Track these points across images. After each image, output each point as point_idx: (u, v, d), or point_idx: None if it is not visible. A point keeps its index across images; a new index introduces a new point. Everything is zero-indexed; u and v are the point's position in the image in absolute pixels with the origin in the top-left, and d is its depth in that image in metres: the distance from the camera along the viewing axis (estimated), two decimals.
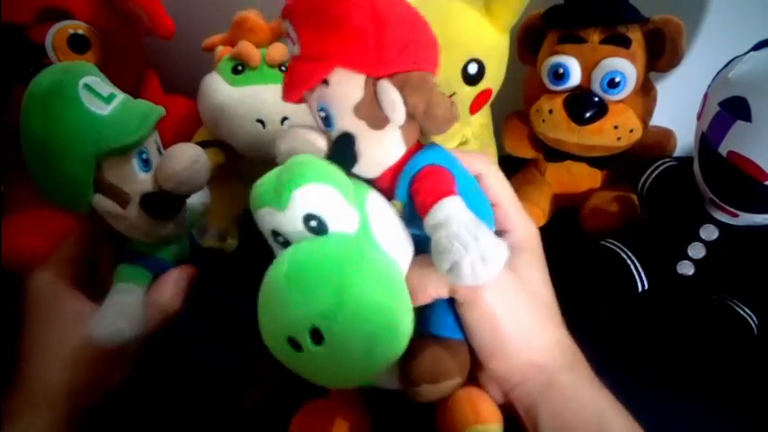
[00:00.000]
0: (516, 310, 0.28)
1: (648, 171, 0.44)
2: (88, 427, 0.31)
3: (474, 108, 0.47)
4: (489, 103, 0.50)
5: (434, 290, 0.27)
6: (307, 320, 0.23)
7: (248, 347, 0.35)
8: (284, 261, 0.24)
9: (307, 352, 0.23)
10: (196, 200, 0.39)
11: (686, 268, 0.40)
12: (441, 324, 0.28)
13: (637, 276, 0.42)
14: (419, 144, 0.28)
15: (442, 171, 0.27)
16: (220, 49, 0.47)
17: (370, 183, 0.28)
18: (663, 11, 0.43)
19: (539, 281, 0.30)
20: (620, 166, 0.50)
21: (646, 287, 0.42)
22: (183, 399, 0.35)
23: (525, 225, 0.31)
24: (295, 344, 0.24)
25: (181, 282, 0.33)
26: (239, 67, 0.45)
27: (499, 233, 0.30)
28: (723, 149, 0.35)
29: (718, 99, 0.35)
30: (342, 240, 0.25)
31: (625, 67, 0.43)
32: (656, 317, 0.42)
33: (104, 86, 0.30)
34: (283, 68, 0.46)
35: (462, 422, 0.27)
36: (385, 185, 0.28)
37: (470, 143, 0.51)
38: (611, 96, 0.45)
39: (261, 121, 0.44)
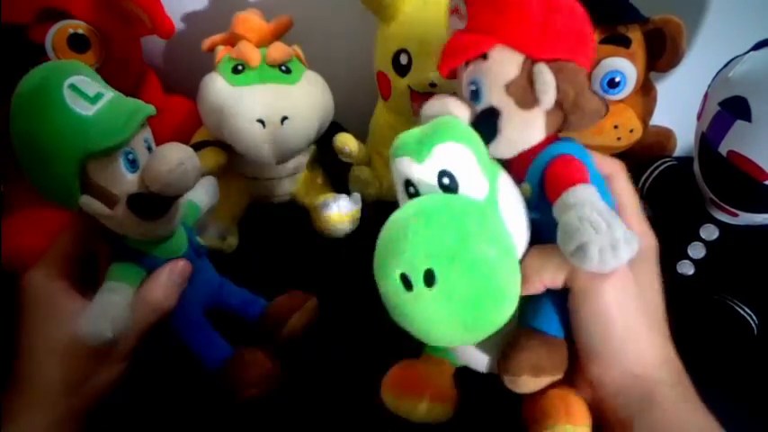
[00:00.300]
0: (631, 314, 0.27)
1: (648, 171, 0.44)
2: (89, 427, 0.31)
3: None
4: None
5: (550, 277, 0.27)
6: (425, 259, 0.24)
7: (244, 347, 0.36)
8: (413, 205, 0.26)
9: (417, 292, 0.24)
10: (205, 200, 0.40)
11: (686, 268, 0.40)
12: (547, 321, 0.29)
13: None
14: (555, 135, 0.29)
15: (577, 161, 0.27)
16: (220, 49, 0.47)
17: (502, 164, 0.29)
18: (663, 11, 0.43)
19: (654, 294, 0.29)
20: None
21: None
22: (180, 395, 0.35)
23: (646, 235, 0.30)
24: (407, 282, 0.24)
25: (174, 278, 0.33)
26: (239, 67, 0.45)
27: None
28: (723, 149, 0.35)
29: (719, 99, 0.35)
30: (470, 201, 0.26)
31: (625, 67, 0.43)
32: None
33: (92, 86, 0.29)
34: (284, 68, 0.46)
35: (553, 418, 0.28)
36: (516, 169, 0.29)
37: None
38: (612, 96, 0.45)
39: (261, 121, 0.44)
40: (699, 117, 0.39)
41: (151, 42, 0.50)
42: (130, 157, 0.29)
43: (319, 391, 0.39)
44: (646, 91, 0.46)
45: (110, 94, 0.30)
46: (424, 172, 0.26)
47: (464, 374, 0.34)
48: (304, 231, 0.50)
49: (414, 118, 0.48)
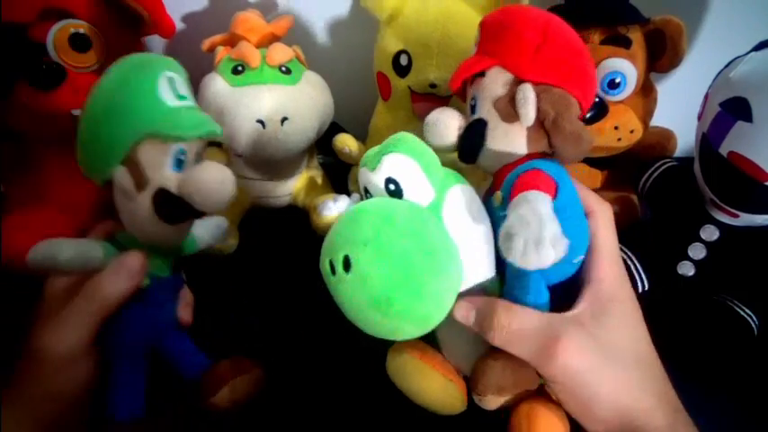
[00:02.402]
0: (600, 385, 0.27)
1: (649, 171, 0.44)
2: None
3: None
4: None
5: (517, 346, 0.28)
6: (344, 246, 0.27)
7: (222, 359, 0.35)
8: (360, 206, 0.29)
9: (338, 276, 0.27)
10: (206, 238, 0.39)
11: (687, 269, 0.40)
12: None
13: (637, 277, 0.42)
14: (538, 154, 0.31)
15: (544, 174, 0.29)
16: (220, 49, 0.47)
17: (490, 186, 0.32)
18: (663, 11, 0.43)
19: (631, 338, 0.28)
20: (621, 167, 0.50)
21: (646, 287, 0.42)
22: (156, 406, 0.33)
23: (618, 279, 0.30)
24: (332, 268, 0.28)
25: (122, 272, 0.30)
26: (239, 68, 0.45)
27: (584, 279, 0.30)
28: (724, 150, 0.35)
29: (719, 99, 0.35)
30: (403, 203, 0.29)
31: (625, 68, 0.43)
32: (656, 317, 0.42)
33: (183, 87, 0.32)
34: (283, 69, 0.46)
35: None
36: (498, 182, 0.31)
37: None
38: (612, 97, 0.45)
39: (261, 122, 0.44)
40: (699, 118, 0.38)
41: (151, 42, 0.50)
42: (181, 156, 0.31)
43: (308, 400, 0.38)
44: (646, 92, 0.46)
45: (193, 102, 0.33)
46: (374, 179, 0.30)
47: None
48: (304, 232, 0.50)
49: (418, 120, 0.48)
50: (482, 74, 0.31)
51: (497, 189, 0.31)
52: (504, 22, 0.31)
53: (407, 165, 0.29)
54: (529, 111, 0.28)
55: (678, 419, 0.27)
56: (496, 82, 0.30)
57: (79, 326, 0.30)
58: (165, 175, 0.31)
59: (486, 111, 0.31)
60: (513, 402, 0.30)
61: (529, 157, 0.31)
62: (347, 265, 0.27)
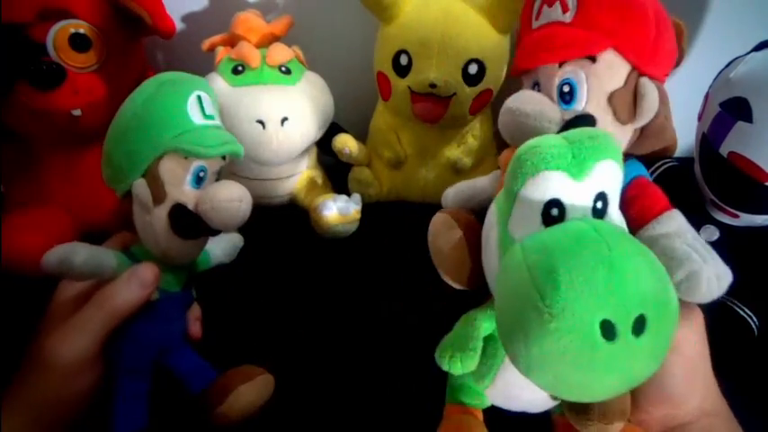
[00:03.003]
0: (704, 357, 0.29)
1: (649, 171, 0.44)
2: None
3: (474, 109, 0.47)
4: (490, 103, 0.50)
5: None
6: (637, 304, 0.20)
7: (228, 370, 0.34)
8: (599, 234, 0.21)
9: (622, 342, 0.20)
10: (219, 256, 0.39)
11: None
12: None
13: None
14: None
15: (653, 185, 0.26)
16: (220, 49, 0.47)
17: None
18: None
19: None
20: None
21: None
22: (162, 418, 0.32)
23: None
24: (608, 330, 0.20)
25: (135, 282, 0.30)
26: (239, 68, 0.45)
27: None
28: (724, 150, 0.35)
29: (719, 100, 0.35)
30: (625, 231, 0.23)
31: None
32: None
33: (210, 107, 0.33)
34: (283, 69, 0.46)
35: None
36: None
37: (470, 144, 0.51)
38: None
39: (261, 122, 0.44)
40: (699, 118, 0.38)
41: (151, 42, 0.49)
42: (201, 174, 0.32)
43: (308, 400, 0.38)
44: None
45: (218, 122, 0.34)
46: (580, 192, 0.22)
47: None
48: (304, 232, 0.50)
49: (417, 120, 0.48)
50: (590, 57, 0.25)
51: None
52: None
53: (617, 176, 0.23)
54: (651, 114, 0.25)
55: (726, 408, 0.30)
56: (615, 71, 0.25)
57: (88, 333, 0.29)
58: (184, 190, 0.31)
59: (596, 105, 0.26)
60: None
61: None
62: (640, 327, 0.20)
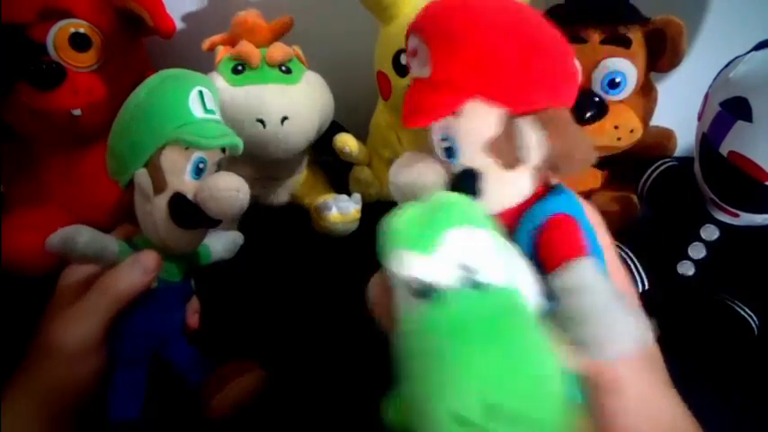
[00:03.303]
0: (651, 398, 0.26)
1: (649, 171, 0.44)
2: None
3: None
4: None
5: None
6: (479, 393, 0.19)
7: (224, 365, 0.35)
8: (458, 320, 0.20)
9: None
10: (219, 251, 0.39)
11: (687, 268, 0.40)
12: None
13: (637, 276, 0.42)
14: (544, 186, 0.26)
15: (572, 224, 0.24)
16: (220, 49, 0.47)
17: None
18: (663, 11, 0.43)
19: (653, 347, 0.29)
20: (621, 167, 0.50)
21: (646, 287, 0.42)
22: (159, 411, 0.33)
23: (622, 284, 0.29)
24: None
25: (138, 268, 0.31)
26: (239, 67, 0.45)
27: None
28: (724, 150, 0.35)
29: (719, 99, 0.35)
30: (501, 313, 0.21)
31: (625, 68, 0.43)
32: (656, 317, 0.42)
33: (211, 102, 0.34)
34: (283, 68, 0.46)
35: None
36: (503, 223, 0.24)
37: None
38: (612, 96, 0.45)
39: (261, 121, 0.44)
40: (699, 117, 0.39)
41: (151, 42, 0.49)
42: (201, 165, 0.33)
43: (307, 401, 0.38)
44: (646, 91, 0.46)
45: (219, 116, 0.35)
46: (435, 265, 0.21)
47: None
48: (304, 231, 0.50)
49: None
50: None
51: (508, 231, 0.25)
52: (459, 33, 0.22)
53: (480, 241, 0.21)
54: (536, 154, 0.23)
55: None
56: (481, 121, 0.23)
57: (92, 319, 0.30)
58: (184, 180, 0.32)
59: (475, 158, 0.24)
60: None
61: (535, 195, 0.25)
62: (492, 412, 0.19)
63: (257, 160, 0.47)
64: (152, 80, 0.32)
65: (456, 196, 0.23)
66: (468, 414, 0.18)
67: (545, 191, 0.26)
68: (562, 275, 0.22)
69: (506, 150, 0.23)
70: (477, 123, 0.23)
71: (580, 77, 0.25)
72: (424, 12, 0.24)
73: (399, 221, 0.22)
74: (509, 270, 0.22)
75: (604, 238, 0.28)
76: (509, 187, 0.25)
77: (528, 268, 0.23)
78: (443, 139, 0.25)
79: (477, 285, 0.21)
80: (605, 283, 0.22)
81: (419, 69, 0.24)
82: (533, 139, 0.22)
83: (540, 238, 0.24)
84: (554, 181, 0.27)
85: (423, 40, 0.24)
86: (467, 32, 0.22)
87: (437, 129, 0.25)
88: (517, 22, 0.23)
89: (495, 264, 0.21)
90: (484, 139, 0.23)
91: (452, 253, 0.21)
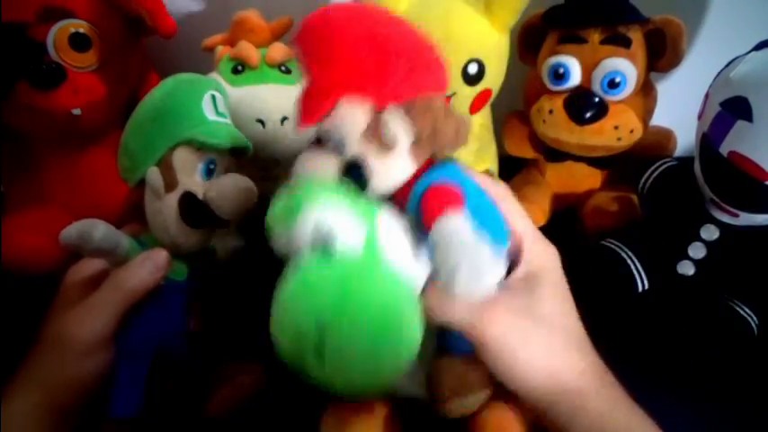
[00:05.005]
0: (528, 345, 0.27)
1: (649, 171, 0.44)
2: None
3: (474, 108, 0.47)
4: (489, 103, 0.50)
5: (451, 313, 0.27)
6: (313, 324, 0.24)
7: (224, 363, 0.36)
8: (291, 280, 0.26)
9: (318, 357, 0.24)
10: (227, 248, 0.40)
11: (686, 268, 0.40)
12: (461, 342, 0.28)
13: (637, 276, 0.42)
14: (431, 160, 0.29)
15: (446, 188, 0.27)
16: (220, 49, 0.47)
17: (389, 198, 0.29)
18: (663, 11, 0.43)
19: (558, 312, 0.29)
20: (621, 167, 0.50)
21: (646, 287, 0.42)
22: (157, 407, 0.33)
23: (543, 253, 0.30)
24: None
25: (149, 265, 0.31)
26: (239, 67, 0.45)
27: (513, 263, 0.30)
28: (724, 149, 0.35)
29: (720, 99, 0.35)
30: (345, 259, 0.26)
31: (625, 68, 0.43)
32: (656, 317, 0.42)
33: (223, 107, 0.36)
34: (283, 68, 0.46)
35: None
36: (399, 200, 0.29)
37: (470, 143, 0.51)
38: (612, 96, 0.45)
39: (261, 121, 0.44)
40: (699, 117, 0.39)
41: (151, 42, 0.49)
42: (211, 166, 0.34)
43: (307, 401, 0.38)
44: (646, 91, 0.46)
45: (229, 121, 0.37)
46: (296, 238, 0.26)
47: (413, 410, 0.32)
48: None
49: None
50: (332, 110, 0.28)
51: (403, 208, 0.29)
52: (322, 45, 0.26)
53: (333, 212, 0.26)
54: (401, 139, 0.26)
55: (606, 381, 0.28)
56: (353, 116, 0.27)
57: (104, 314, 0.30)
58: (195, 180, 0.33)
59: (357, 147, 0.27)
60: (473, 408, 0.30)
61: (420, 170, 0.29)
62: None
63: (257, 160, 0.47)
64: (167, 83, 0.34)
65: (311, 177, 0.28)
66: (304, 329, 0.24)
67: (428, 166, 0.29)
68: (431, 233, 0.26)
69: (380, 137, 0.27)
70: (349, 119, 0.27)
71: (447, 66, 0.29)
72: (301, 29, 0.27)
73: (274, 205, 0.28)
74: (367, 235, 0.26)
75: (497, 193, 0.31)
76: (391, 169, 0.28)
77: (402, 236, 0.28)
78: (329, 136, 0.28)
79: (329, 250, 0.26)
80: (463, 229, 0.25)
81: (303, 77, 0.29)
82: (398, 127, 0.26)
83: (421, 206, 0.27)
84: (445, 155, 0.30)
85: (300, 54, 0.28)
86: (330, 45, 0.26)
87: (324, 127, 0.28)
88: (372, 29, 0.27)
89: (348, 232, 0.26)
90: (359, 129, 0.27)
91: (307, 225, 0.26)
